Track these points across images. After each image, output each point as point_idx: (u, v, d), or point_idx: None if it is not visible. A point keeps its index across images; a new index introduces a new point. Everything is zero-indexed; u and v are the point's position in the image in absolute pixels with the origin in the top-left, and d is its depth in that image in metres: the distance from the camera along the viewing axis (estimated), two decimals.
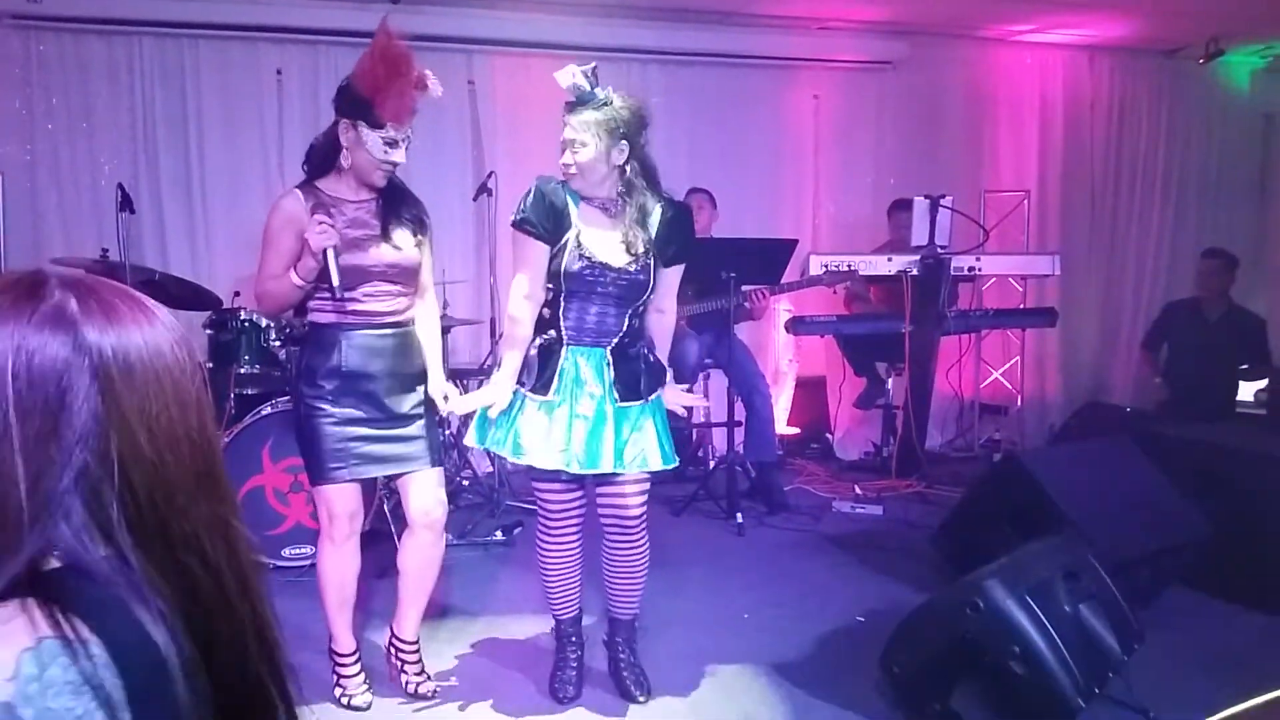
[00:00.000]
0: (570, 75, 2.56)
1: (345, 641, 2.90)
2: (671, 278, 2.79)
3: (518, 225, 2.66)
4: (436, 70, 5.51)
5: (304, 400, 2.74)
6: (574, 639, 2.99)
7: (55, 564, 0.76)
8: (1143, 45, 6.70)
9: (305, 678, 2.88)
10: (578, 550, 2.90)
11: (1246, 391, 5.66)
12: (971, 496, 3.90)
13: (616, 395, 2.68)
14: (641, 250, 2.65)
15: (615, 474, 2.73)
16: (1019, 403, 6.61)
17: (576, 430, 2.65)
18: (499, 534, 4.45)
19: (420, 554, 2.89)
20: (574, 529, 2.86)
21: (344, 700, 2.85)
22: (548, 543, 2.87)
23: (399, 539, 3.16)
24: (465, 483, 4.92)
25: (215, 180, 5.55)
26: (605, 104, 2.58)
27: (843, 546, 4.40)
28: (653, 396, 2.78)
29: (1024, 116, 6.80)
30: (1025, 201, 6.59)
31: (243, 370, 4.25)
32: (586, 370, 2.67)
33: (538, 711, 2.86)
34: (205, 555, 0.82)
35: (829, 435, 6.38)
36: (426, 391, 2.86)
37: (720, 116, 6.16)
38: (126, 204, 4.09)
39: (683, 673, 3.08)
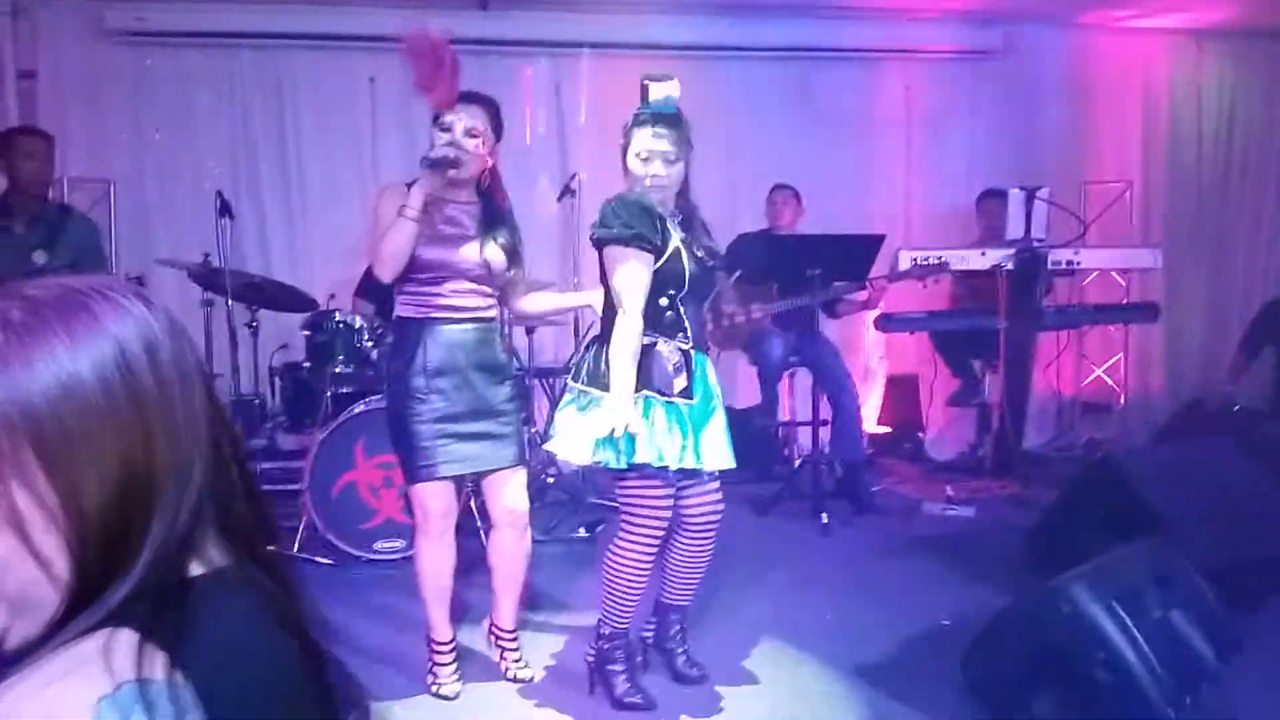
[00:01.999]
0: (667, 89, 2.61)
1: (443, 631, 2.97)
2: None
3: (629, 242, 2.57)
4: (524, 74, 5.74)
5: (395, 399, 2.82)
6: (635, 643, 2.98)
7: (198, 566, 0.77)
8: (1253, 28, 6.38)
9: (402, 667, 3.02)
10: None
11: None
12: (1065, 498, 3.78)
13: (716, 394, 2.78)
14: (707, 254, 2.77)
15: (709, 472, 2.76)
16: (1122, 401, 6.38)
17: (714, 430, 2.72)
18: (582, 531, 4.50)
19: (507, 551, 2.99)
20: (659, 535, 2.79)
21: (434, 688, 2.94)
22: (646, 549, 2.75)
23: (485, 535, 3.24)
24: (550, 480, 4.98)
25: (311, 186, 5.75)
26: (684, 120, 2.68)
27: (931, 549, 4.30)
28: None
29: (1126, 106, 6.55)
30: (1128, 193, 6.35)
31: (338, 370, 4.39)
32: (710, 373, 2.77)
33: (622, 706, 2.88)
34: (268, 555, 0.84)
35: (921, 434, 6.25)
36: (514, 388, 2.94)
37: (807, 111, 6.10)
38: (226, 210, 4.26)
39: (761, 673, 3.06)
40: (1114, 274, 6.24)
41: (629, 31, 5.83)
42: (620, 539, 2.79)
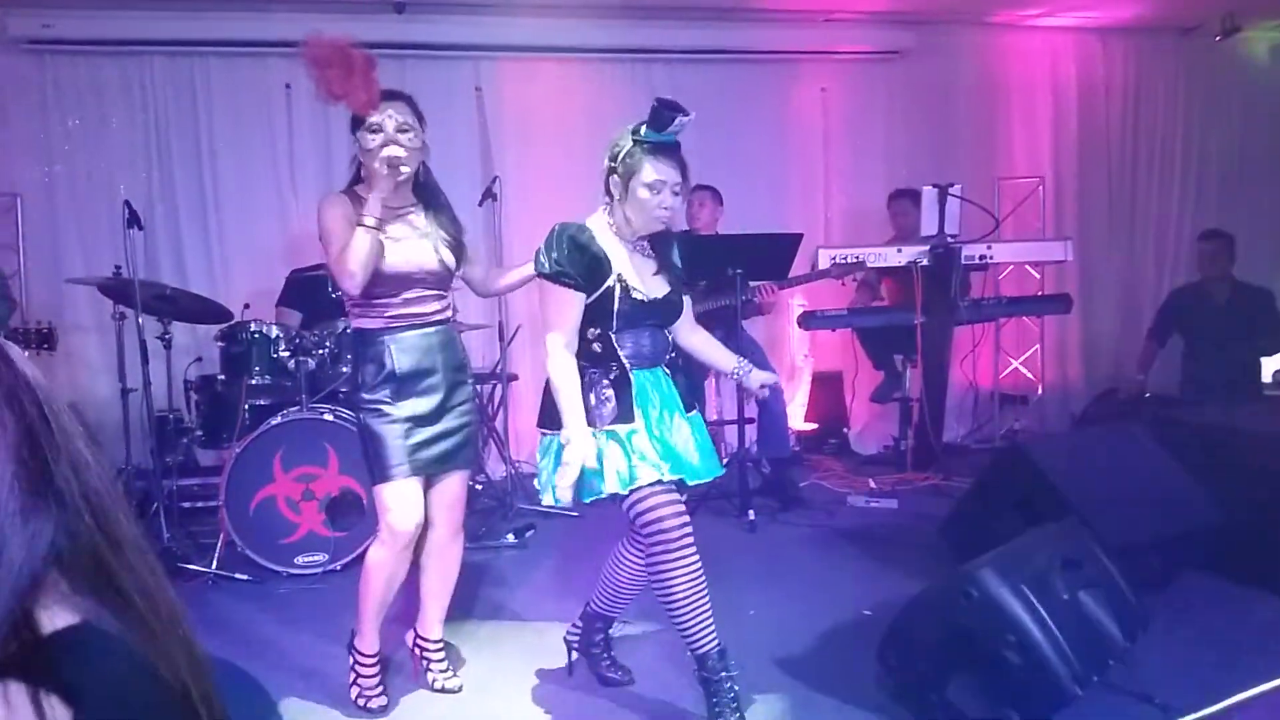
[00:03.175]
0: (684, 120, 2.48)
1: (372, 642, 2.90)
2: (687, 299, 2.87)
3: (552, 278, 2.56)
4: (444, 78, 5.71)
5: (363, 407, 2.77)
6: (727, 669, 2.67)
7: (52, 622, 0.71)
8: (1157, 25, 6.61)
9: (324, 681, 2.96)
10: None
11: (1268, 372, 5.55)
12: (979, 487, 3.86)
13: (684, 406, 2.72)
14: (678, 282, 2.75)
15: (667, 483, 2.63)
16: (1039, 391, 6.54)
17: (680, 442, 2.66)
18: (511, 537, 4.47)
19: (440, 551, 2.93)
20: (692, 538, 2.60)
21: (360, 702, 2.87)
22: (683, 563, 2.56)
23: None
24: (478, 487, 4.94)
25: (227, 195, 5.64)
26: None
27: (855, 541, 4.37)
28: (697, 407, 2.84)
29: (1037, 102, 6.73)
30: (1040, 188, 6.52)
31: (254, 381, 4.32)
32: (651, 390, 2.66)
33: (550, 711, 2.87)
34: (145, 582, 0.79)
35: (846, 430, 6.34)
36: (471, 390, 2.95)
37: (726, 113, 6.14)
38: (134, 221, 4.14)
39: (682, 669, 3.07)
40: (1028, 267, 6.39)
41: (548, 35, 5.83)
42: (659, 564, 2.57)
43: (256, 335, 4.35)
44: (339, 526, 4.06)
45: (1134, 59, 6.81)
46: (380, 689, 2.91)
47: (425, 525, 2.87)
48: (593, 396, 2.58)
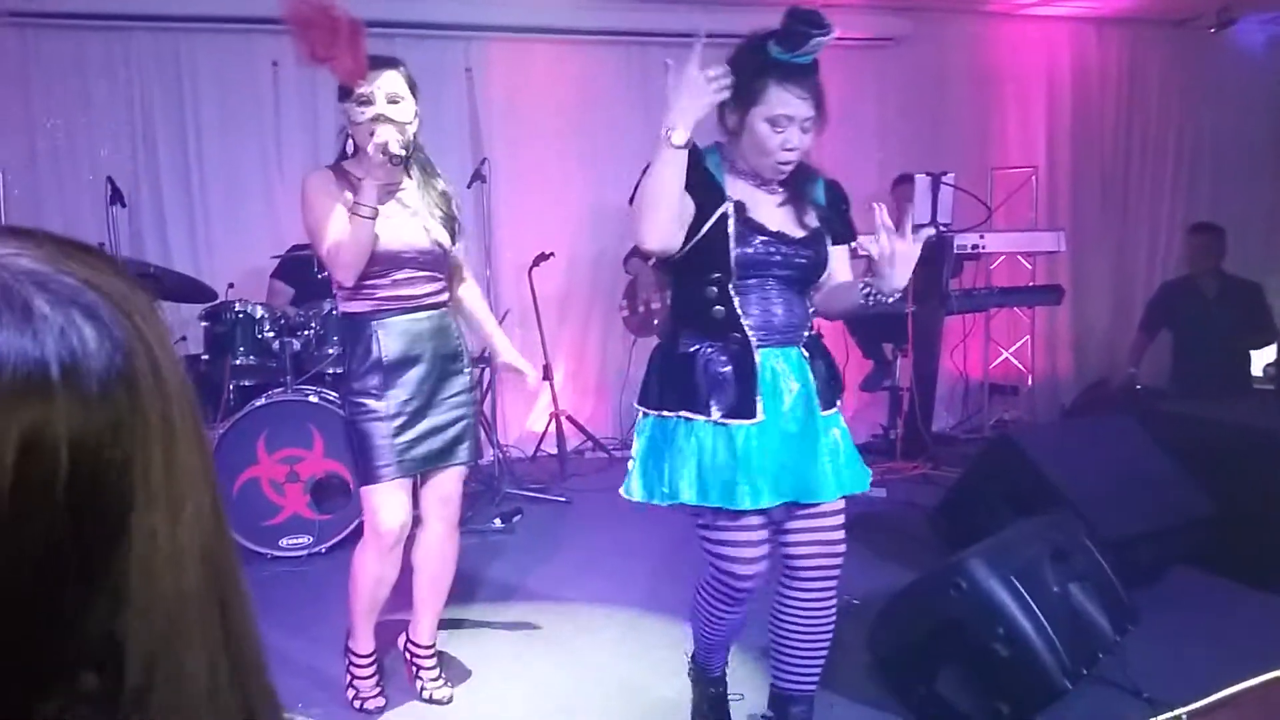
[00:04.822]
0: (824, 34, 1.98)
1: (365, 643, 2.79)
2: (840, 259, 2.26)
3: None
4: (434, 58, 5.64)
5: (349, 400, 2.63)
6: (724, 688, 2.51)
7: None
8: (1151, 16, 6.57)
9: (313, 677, 2.91)
10: None
11: (1258, 366, 5.55)
12: (969, 477, 3.84)
13: (820, 402, 2.13)
14: (814, 222, 2.17)
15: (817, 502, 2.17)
16: (1030, 382, 6.53)
17: (791, 452, 2.09)
18: (498, 521, 4.44)
19: (434, 547, 2.77)
20: (760, 580, 2.20)
21: (356, 703, 2.77)
22: (727, 615, 2.25)
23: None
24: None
25: (213, 173, 5.56)
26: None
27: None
28: (840, 403, 2.24)
29: (1031, 92, 6.70)
30: (1033, 178, 6.49)
31: (238, 362, 4.27)
32: (786, 374, 2.10)
33: (529, 699, 2.85)
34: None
35: None
36: (470, 378, 2.76)
37: None
38: (117, 198, 4.09)
39: (668, 659, 3.05)
40: (1020, 258, 6.37)
41: (540, 16, 5.76)
42: (704, 600, 2.29)
43: (241, 315, 4.28)
44: (324, 509, 4.03)
45: (1128, 49, 6.78)
46: (377, 690, 2.81)
47: (417, 522, 2.75)
48: (704, 378, 2.05)
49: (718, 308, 2.06)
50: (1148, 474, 3.55)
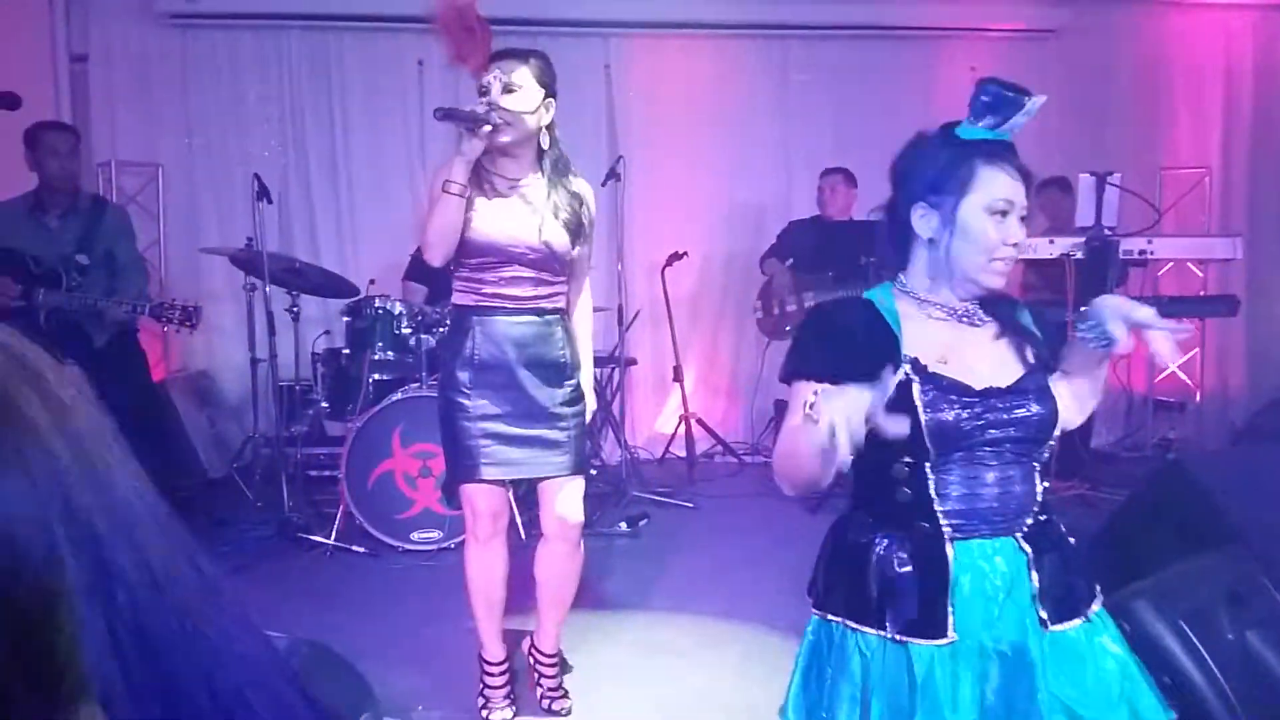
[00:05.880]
0: (1032, 100, 1.62)
1: (493, 649, 2.73)
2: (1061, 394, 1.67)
3: (788, 378, 1.62)
4: (573, 56, 5.64)
5: (443, 393, 2.59)
6: None
7: None
8: None
9: (437, 678, 2.88)
10: None
11: None
12: (1132, 503, 3.54)
13: (1044, 614, 1.56)
14: (1031, 359, 1.64)
15: None
16: (1198, 398, 6.07)
17: (1001, 685, 1.54)
18: (623, 525, 4.39)
19: (554, 565, 2.70)
20: None
21: (484, 712, 2.71)
22: None
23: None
24: (593, 472, 4.86)
25: (359, 170, 5.71)
26: None
27: None
28: (1097, 605, 1.68)
29: (1205, 86, 6.21)
30: (1207, 179, 6.03)
31: (377, 356, 4.34)
32: (995, 575, 1.56)
33: (646, 717, 2.77)
34: None
35: None
36: (575, 390, 2.63)
37: (865, 92, 5.89)
38: (264, 194, 4.21)
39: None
40: (1190, 265, 5.93)
41: (680, 10, 5.69)
42: None
43: (380, 311, 4.37)
44: (453, 505, 4.03)
45: None
46: (507, 701, 2.72)
47: (533, 526, 2.72)
48: (877, 579, 1.56)
49: (905, 489, 1.56)
50: None
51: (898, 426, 1.33)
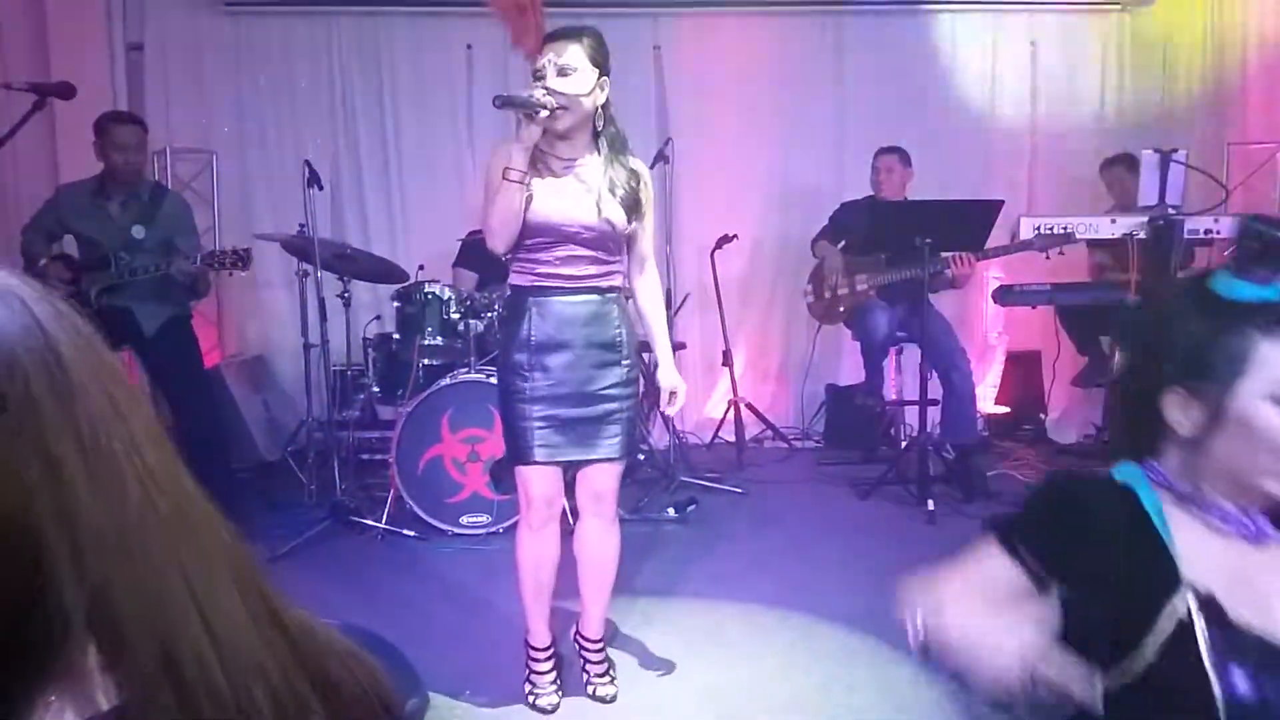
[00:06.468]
0: None
1: (540, 634, 2.73)
2: None
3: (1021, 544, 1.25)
4: (622, 36, 5.56)
5: (500, 376, 2.61)
6: None
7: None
8: None
9: (484, 663, 2.86)
10: None
11: None
12: None
13: None
14: None
15: None
16: None
17: None
18: (671, 511, 4.35)
19: (591, 543, 2.70)
20: None
21: (530, 699, 2.70)
22: None
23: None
24: (641, 457, 4.83)
25: (409, 155, 5.73)
26: None
27: None
28: None
29: (1275, 59, 5.95)
30: (1277, 155, 5.78)
31: (427, 342, 4.34)
32: None
33: (691, 704, 2.73)
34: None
35: (1042, 416, 5.87)
36: (630, 371, 2.62)
37: (920, 69, 5.76)
38: (314, 180, 4.23)
39: (845, 672, 2.86)
40: None
41: None
42: None
43: (430, 296, 4.37)
44: (502, 489, 4.04)
45: None
46: (554, 687, 2.70)
47: (575, 513, 2.68)
48: None
49: None
50: None
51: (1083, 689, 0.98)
